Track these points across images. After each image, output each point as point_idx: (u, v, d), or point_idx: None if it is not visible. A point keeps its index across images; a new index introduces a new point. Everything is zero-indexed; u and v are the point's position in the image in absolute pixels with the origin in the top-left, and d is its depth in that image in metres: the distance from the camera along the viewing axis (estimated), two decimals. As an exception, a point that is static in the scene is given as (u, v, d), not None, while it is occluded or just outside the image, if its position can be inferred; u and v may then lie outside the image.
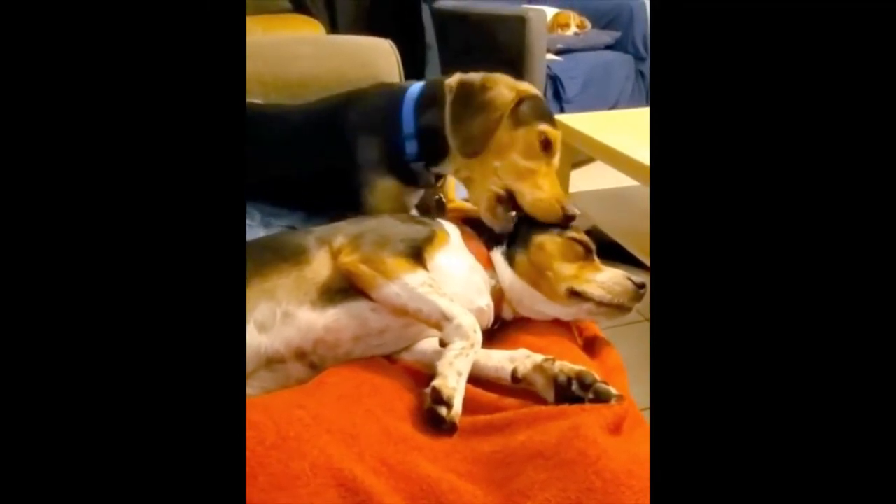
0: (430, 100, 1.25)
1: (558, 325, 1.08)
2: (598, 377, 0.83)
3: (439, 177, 1.34)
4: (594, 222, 2.37)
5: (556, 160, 1.22)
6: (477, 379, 0.90)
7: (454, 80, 1.21)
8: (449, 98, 1.20)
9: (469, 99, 1.19)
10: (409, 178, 1.30)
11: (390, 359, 0.96)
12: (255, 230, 1.39)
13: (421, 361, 0.95)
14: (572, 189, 2.51)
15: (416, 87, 1.30)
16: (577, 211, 1.17)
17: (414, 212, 1.39)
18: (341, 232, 1.01)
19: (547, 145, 1.19)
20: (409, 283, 0.90)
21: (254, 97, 1.71)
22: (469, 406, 0.82)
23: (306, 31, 3.62)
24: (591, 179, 2.91)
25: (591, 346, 1.08)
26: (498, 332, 1.07)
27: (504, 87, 1.20)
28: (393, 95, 1.31)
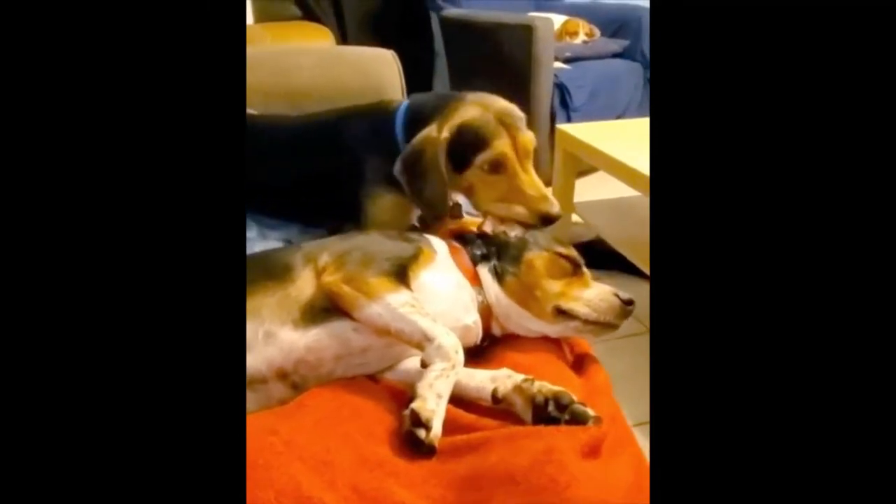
0: (415, 125, 1.24)
1: (547, 341, 1.07)
2: (575, 398, 0.82)
3: None
4: (598, 232, 2.35)
5: (516, 167, 1.18)
6: (459, 399, 0.89)
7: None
8: (398, 168, 1.19)
9: (414, 165, 1.18)
10: None
11: (374, 378, 0.96)
12: (253, 242, 1.39)
13: (404, 381, 0.94)
14: (577, 198, 2.49)
15: (403, 107, 1.30)
16: (555, 210, 1.16)
17: (415, 221, 1.39)
18: (328, 249, 1.01)
19: (497, 167, 1.17)
20: (391, 304, 0.90)
21: (254, 107, 1.72)
22: (448, 427, 0.82)
23: (315, 39, 3.63)
24: (596, 189, 2.89)
25: (581, 363, 1.07)
26: (487, 348, 1.06)
27: (429, 143, 1.17)
28: (387, 115, 1.31)
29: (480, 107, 1.20)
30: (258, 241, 1.42)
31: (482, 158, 1.16)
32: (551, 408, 0.82)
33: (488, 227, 1.15)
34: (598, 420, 0.80)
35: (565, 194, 2.46)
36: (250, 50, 2.68)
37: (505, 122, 1.19)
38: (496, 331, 1.08)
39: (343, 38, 4.01)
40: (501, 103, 1.23)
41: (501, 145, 1.16)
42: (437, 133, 1.17)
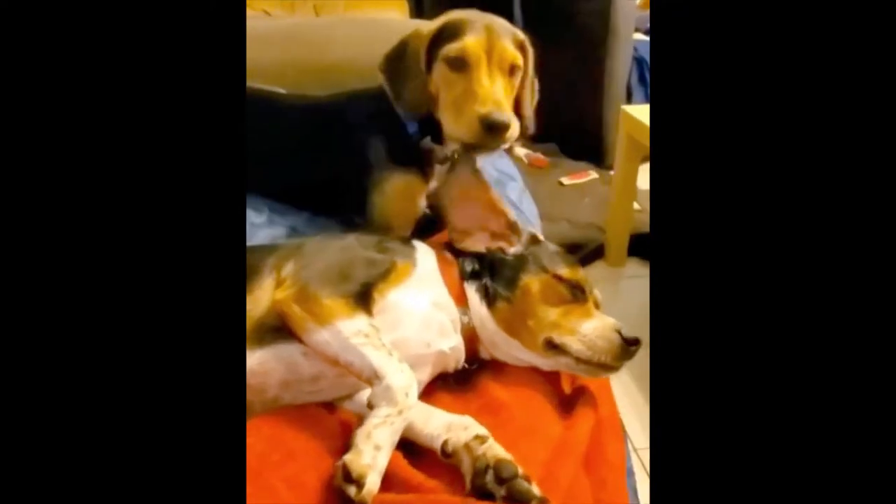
0: None
1: (540, 371, 0.94)
2: (520, 472, 0.70)
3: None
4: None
5: (480, 70, 1.08)
6: (412, 444, 0.78)
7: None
8: (382, 65, 1.17)
9: (397, 61, 1.16)
10: (422, 163, 1.23)
11: (331, 406, 0.86)
12: (259, 228, 1.32)
13: (361, 415, 0.84)
14: (641, 185, 2.31)
15: None
16: (498, 117, 1.02)
17: (425, 209, 1.30)
18: (297, 255, 0.91)
19: (459, 64, 1.08)
20: (342, 332, 0.79)
21: (287, 83, 1.63)
22: (382, 481, 0.71)
23: (389, 8, 3.52)
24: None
25: (574, 400, 0.92)
26: (474, 372, 0.94)
27: (414, 36, 1.14)
28: None
29: (477, 13, 1.14)
30: (266, 227, 1.34)
31: (446, 50, 1.09)
32: (489, 478, 0.70)
33: (479, 245, 1.01)
34: (542, 502, 0.67)
35: (627, 180, 2.29)
36: (284, 22, 2.59)
37: (490, 28, 1.11)
38: (484, 354, 0.96)
39: (419, 9, 3.87)
40: (499, 19, 1.16)
41: (470, 42, 1.08)
42: (424, 28, 1.15)
